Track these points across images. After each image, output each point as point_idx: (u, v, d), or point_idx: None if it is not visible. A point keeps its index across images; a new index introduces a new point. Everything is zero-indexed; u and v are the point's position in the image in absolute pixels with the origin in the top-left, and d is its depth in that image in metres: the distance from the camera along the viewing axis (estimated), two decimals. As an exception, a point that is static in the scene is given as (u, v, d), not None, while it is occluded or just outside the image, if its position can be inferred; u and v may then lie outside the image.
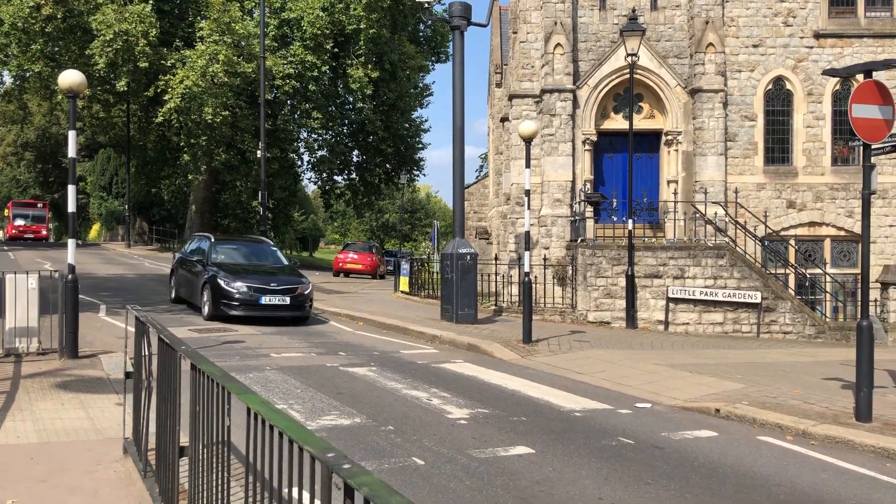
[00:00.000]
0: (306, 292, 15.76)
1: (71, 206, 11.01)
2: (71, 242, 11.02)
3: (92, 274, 24.03)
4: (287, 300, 15.30)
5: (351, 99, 39.58)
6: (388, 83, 38.40)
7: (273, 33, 34.06)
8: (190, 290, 16.81)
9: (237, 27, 31.77)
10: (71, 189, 10.87)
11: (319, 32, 33.79)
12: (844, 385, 10.82)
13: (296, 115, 39.98)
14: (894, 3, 21.96)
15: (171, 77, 31.74)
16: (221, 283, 15.12)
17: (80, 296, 11.27)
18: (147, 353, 5.46)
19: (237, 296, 14.99)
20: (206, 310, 15.34)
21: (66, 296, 10.73)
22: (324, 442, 2.15)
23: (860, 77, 9.54)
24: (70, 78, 10.32)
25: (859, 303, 9.58)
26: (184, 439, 4.55)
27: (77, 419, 7.52)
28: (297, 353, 12.18)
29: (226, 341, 12.94)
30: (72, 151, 10.88)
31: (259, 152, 26.68)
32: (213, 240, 17.31)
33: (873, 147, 9.52)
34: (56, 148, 61.29)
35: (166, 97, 31.70)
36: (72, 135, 10.77)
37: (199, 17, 34.53)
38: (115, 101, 39.34)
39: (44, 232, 50.55)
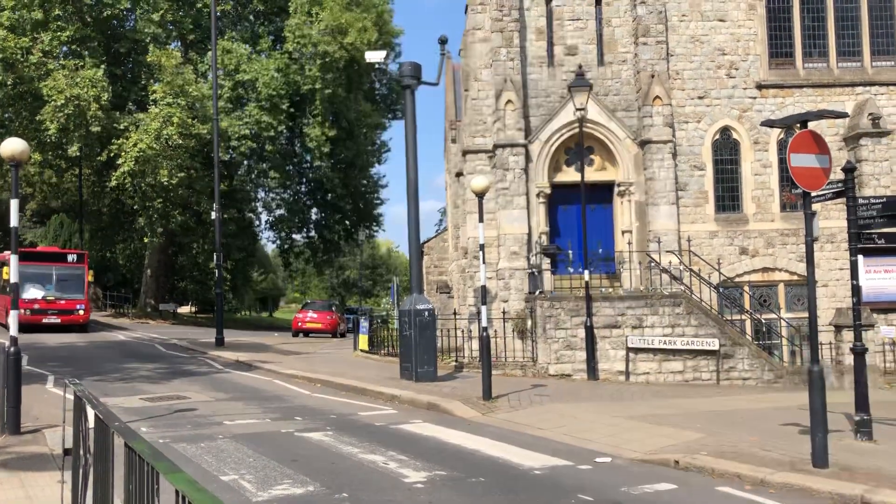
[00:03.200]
0: None
1: (13, 276, 10.72)
2: (13, 313, 10.70)
3: (41, 343, 23.37)
4: None
5: (308, 157, 39.73)
6: (346, 141, 38.65)
7: (228, 95, 34.19)
8: None
9: (191, 89, 31.82)
10: (13, 259, 10.59)
11: (275, 93, 34.01)
12: (802, 430, 10.85)
13: (252, 175, 39.95)
14: (830, 54, 22.84)
15: (125, 140, 31.54)
16: None
17: (27, 367, 10.93)
18: (84, 429, 5.25)
19: None
20: None
21: (7, 369, 10.36)
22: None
23: (798, 126, 9.82)
24: (11, 146, 10.15)
25: (811, 348, 9.68)
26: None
27: (15, 499, 7.18)
28: (251, 419, 11.87)
29: (178, 409, 12.58)
30: (14, 220, 10.63)
31: (214, 213, 26.45)
32: None
33: (813, 195, 9.74)
34: (6, 213, 60.14)
35: (120, 161, 31.44)
36: (14, 204, 10.55)
37: (152, 81, 34.53)
38: (68, 166, 38.90)
39: None
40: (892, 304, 19.51)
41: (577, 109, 18.12)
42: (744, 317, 21.09)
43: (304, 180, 42.27)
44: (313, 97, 35.69)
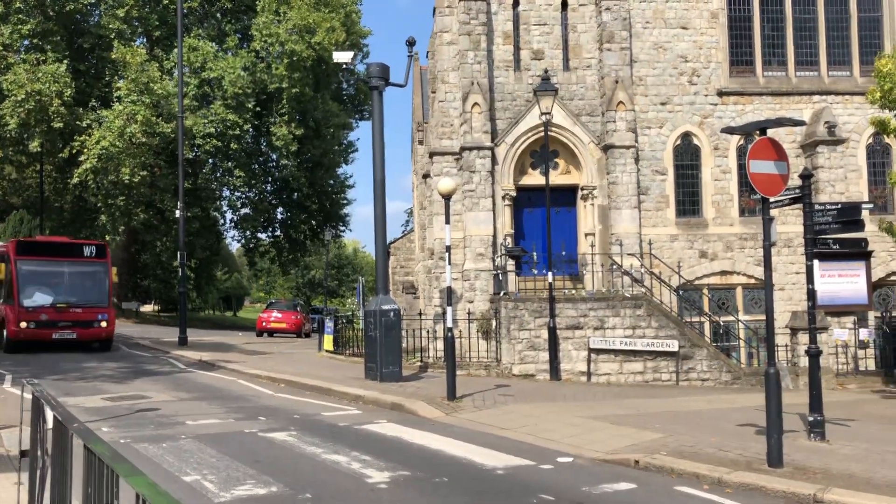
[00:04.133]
0: None
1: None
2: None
3: (-1, 342, 22.87)
4: None
5: (275, 156, 39.50)
6: (313, 140, 38.51)
7: (193, 93, 33.85)
8: None
9: (156, 87, 31.46)
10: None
11: (241, 92, 33.75)
12: (758, 430, 11.10)
13: (217, 174, 39.58)
14: (788, 63, 23.35)
15: (88, 137, 31.08)
16: None
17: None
18: (42, 430, 5.22)
19: None
20: None
21: (-36, 369, 9.99)
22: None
23: (758, 133, 10.06)
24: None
25: (768, 350, 9.92)
26: (79, 522, 4.33)
27: (-29, 502, 7.08)
28: (214, 419, 11.81)
29: (140, 409, 12.47)
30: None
31: (178, 212, 26.19)
32: None
33: (771, 200, 9.99)
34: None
35: (82, 158, 30.98)
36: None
37: (116, 77, 34.07)
38: (29, 162, 38.21)
39: None
40: (846, 308, 20.00)
41: (543, 113, 18.30)
42: (703, 319, 21.48)
43: (270, 179, 42.01)
44: (280, 96, 35.52)
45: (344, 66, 18.38)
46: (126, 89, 31.26)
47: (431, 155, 22.86)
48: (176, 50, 29.18)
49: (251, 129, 37.31)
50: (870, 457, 9.72)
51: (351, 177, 74.53)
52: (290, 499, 7.32)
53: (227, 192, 41.65)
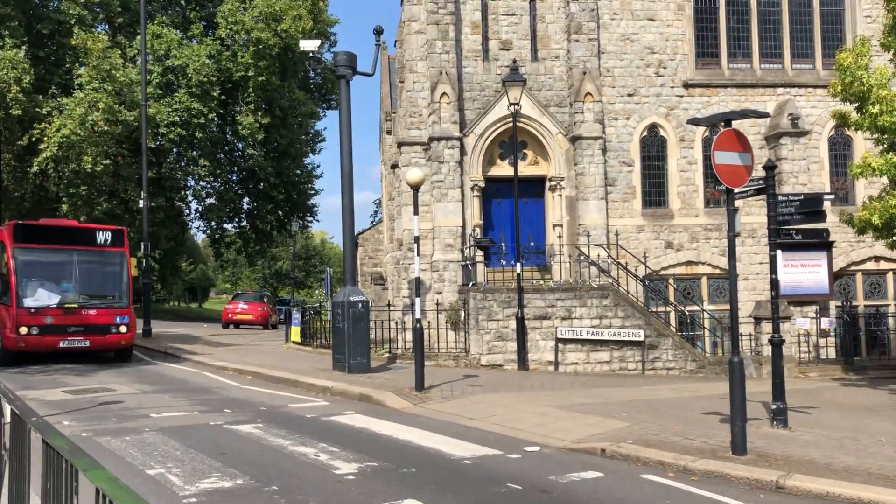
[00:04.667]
0: None
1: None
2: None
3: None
4: None
5: (241, 145, 39.08)
6: (279, 129, 38.15)
7: (157, 81, 33.31)
8: None
9: (118, 74, 30.85)
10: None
11: (206, 80, 33.30)
12: (722, 419, 11.26)
13: (182, 163, 39.04)
14: (753, 56, 23.62)
15: (48, 125, 30.40)
16: None
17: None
18: (1, 425, 5.10)
19: None
20: None
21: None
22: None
23: (723, 125, 10.14)
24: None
25: (732, 340, 10.05)
26: (38, 519, 4.23)
27: (-73, 498, 6.90)
28: (178, 412, 11.67)
29: (102, 402, 12.27)
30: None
31: (142, 201, 25.78)
32: None
33: (736, 191, 10.09)
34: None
35: (42, 146, 30.30)
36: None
37: (77, 64, 33.34)
38: (-14, 150, 37.25)
39: None
40: (809, 297, 20.37)
41: (511, 104, 18.30)
42: (668, 309, 21.71)
43: (236, 169, 41.55)
44: (246, 84, 35.12)
45: (311, 54, 18.17)
46: (87, 76, 30.61)
47: (400, 145, 22.75)
48: (139, 37, 28.68)
49: (216, 118, 36.86)
50: (829, 443, 9.92)
51: (318, 167, 73.95)
52: (255, 491, 7.25)
53: (192, 182, 41.13)
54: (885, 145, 14.91)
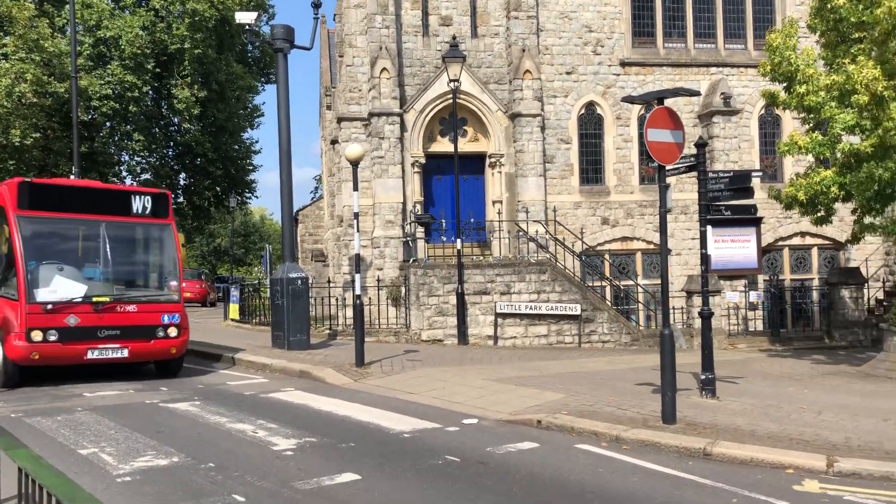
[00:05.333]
0: None
1: None
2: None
3: None
4: None
5: (176, 120, 38.13)
6: (217, 104, 37.32)
7: (88, 52, 32.20)
8: None
9: (47, 45, 29.73)
10: None
11: (140, 52, 32.30)
12: (654, 389, 11.60)
13: (116, 138, 37.90)
14: (688, 35, 24.07)
15: (-30, 97, 29.14)
16: None
17: None
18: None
19: None
20: None
21: None
22: (94, 500, 2.06)
23: (656, 102, 10.36)
24: None
25: (663, 313, 10.35)
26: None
27: None
28: (113, 391, 11.48)
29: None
30: None
31: (73, 177, 24.99)
32: None
33: (668, 168, 10.35)
34: None
35: (-35, 118, 29.06)
36: None
37: (1, 34, 32.00)
38: None
39: None
40: (738, 272, 21.05)
41: (451, 80, 18.32)
42: (604, 283, 22.19)
43: (172, 144, 40.52)
44: (182, 57, 34.20)
45: (247, 27, 17.80)
46: (14, 46, 29.42)
47: (339, 120, 22.56)
48: (68, 6, 27.64)
49: (151, 92, 35.82)
50: (754, 411, 10.33)
51: (257, 142, 72.67)
52: (192, 468, 7.23)
53: (126, 157, 39.93)
54: (812, 124, 15.41)
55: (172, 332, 12.96)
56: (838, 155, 14.63)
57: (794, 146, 14.83)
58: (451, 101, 19.71)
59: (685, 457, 8.11)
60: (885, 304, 21.15)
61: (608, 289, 22.30)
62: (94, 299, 12.29)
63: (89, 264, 13.03)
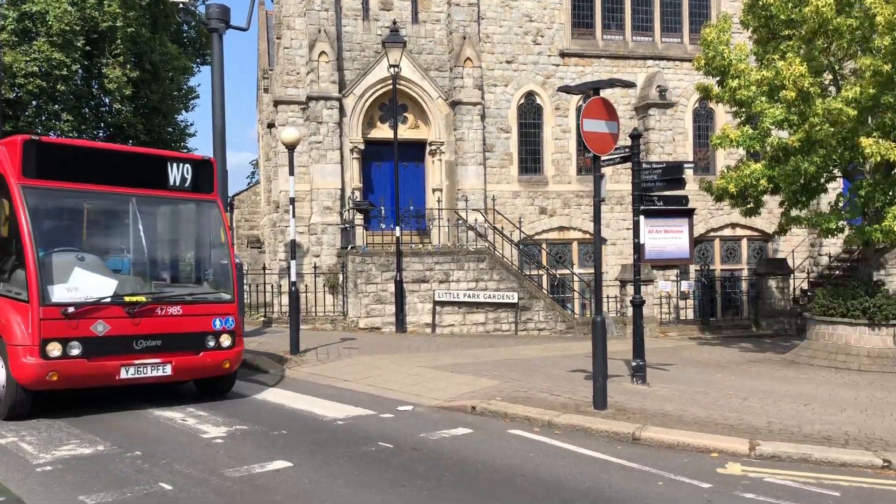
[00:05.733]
0: None
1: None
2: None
3: None
4: None
5: (107, 100, 36.94)
6: (150, 84, 36.27)
7: (13, 27, 30.89)
8: None
9: (-33, 18, 28.46)
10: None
11: (68, 28, 31.14)
12: (587, 376, 11.77)
13: (43, 117, 36.54)
14: (626, 28, 24.40)
15: None
16: None
17: None
18: None
19: None
20: None
21: None
22: (7, 491, 1.96)
23: (592, 93, 10.47)
24: None
25: (595, 301, 10.50)
26: None
27: None
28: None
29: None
30: None
31: (-4, 157, 24.00)
32: None
33: (602, 158, 10.48)
34: None
35: None
36: None
37: (-82, 4, 30.49)
38: None
39: None
40: (671, 262, 21.53)
41: (391, 66, 18.17)
42: (541, 272, 22.43)
43: (103, 125, 39.23)
44: (113, 35, 33.09)
45: (181, 5, 17.33)
46: (-70, 19, 28.06)
47: (276, 104, 22.17)
48: (-10, -22, 26.45)
49: (81, 70, 34.58)
50: (683, 397, 10.59)
51: (192, 124, 70.65)
52: (117, 456, 7.04)
53: (54, 137, 38.64)
54: (743, 118, 15.80)
55: (225, 340, 10.00)
56: (767, 148, 15.05)
57: (726, 139, 15.18)
58: (391, 86, 19.57)
59: (615, 441, 8.26)
60: (809, 294, 21.91)
61: (545, 277, 22.55)
62: (128, 299, 9.21)
63: (116, 252, 10.10)
